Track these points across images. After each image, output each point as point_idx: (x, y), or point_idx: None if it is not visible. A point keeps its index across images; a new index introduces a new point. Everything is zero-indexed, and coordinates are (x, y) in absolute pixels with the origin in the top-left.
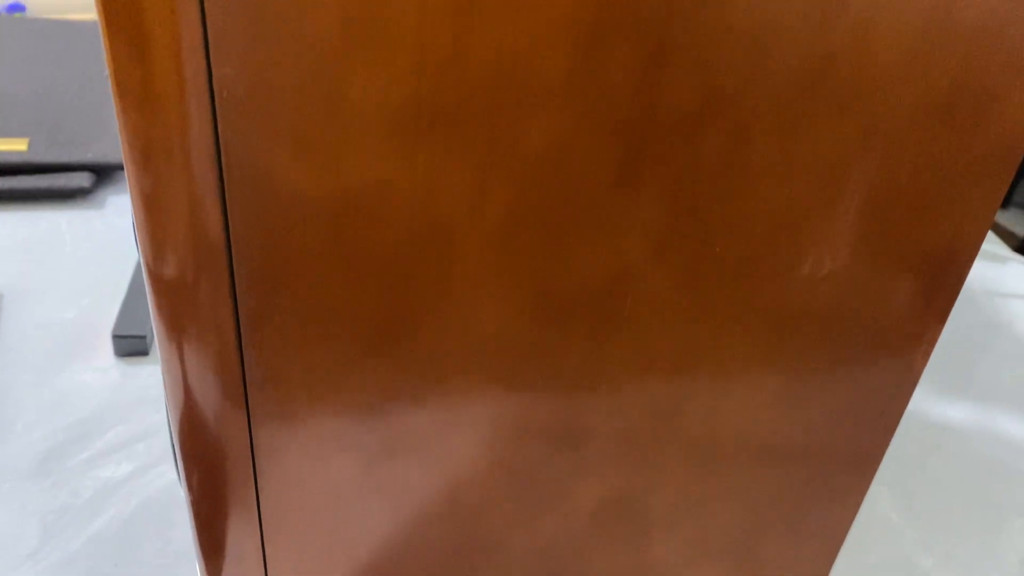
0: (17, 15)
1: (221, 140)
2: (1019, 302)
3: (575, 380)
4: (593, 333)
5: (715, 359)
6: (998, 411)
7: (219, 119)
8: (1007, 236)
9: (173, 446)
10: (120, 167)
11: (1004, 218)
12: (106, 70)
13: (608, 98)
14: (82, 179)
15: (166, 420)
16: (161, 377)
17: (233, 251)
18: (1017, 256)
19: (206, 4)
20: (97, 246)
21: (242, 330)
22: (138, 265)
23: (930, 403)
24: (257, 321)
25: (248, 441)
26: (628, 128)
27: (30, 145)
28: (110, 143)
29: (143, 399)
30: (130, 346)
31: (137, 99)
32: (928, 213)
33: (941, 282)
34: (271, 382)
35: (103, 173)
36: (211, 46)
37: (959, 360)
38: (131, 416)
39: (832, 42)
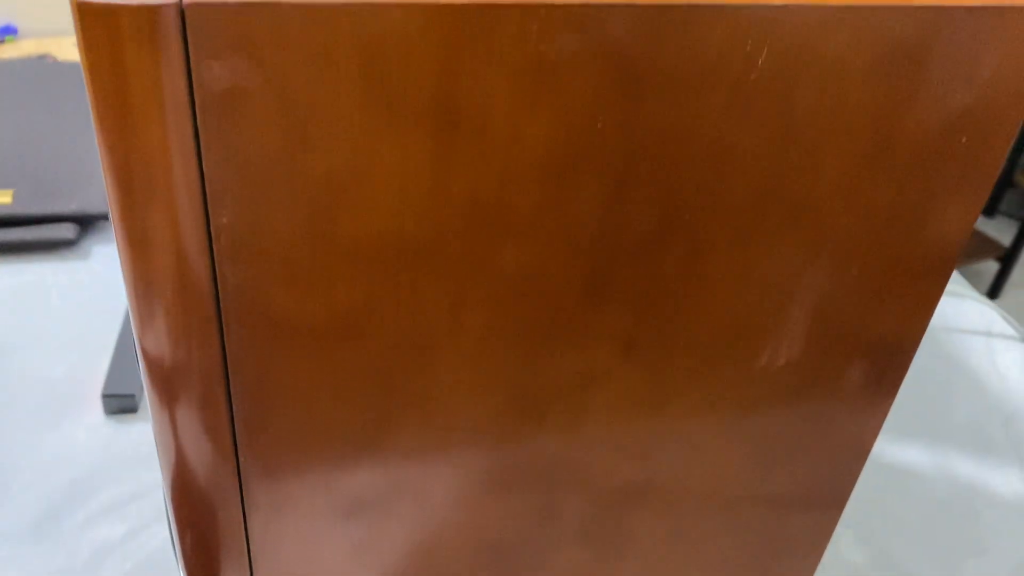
0: (9, 38)
1: (218, 277)
2: (976, 338)
3: (550, 464)
4: (566, 424)
5: (681, 441)
6: (954, 449)
7: (216, 260)
8: (991, 246)
9: (170, 526)
10: (104, 216)
11: (989, 227)
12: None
13: (574, 225)
14: (67, 230)
15: (160, 483)
16: (151, 434)
17: (229, 369)
18: (975, 294)
19: (204, 161)
20: (83, 298)
21: (238, 437)
22: (126, 320)
23: (888, 442)
24: (252, 429)
25: (243, 526)
26: (593, 250)
27: (15, 197)
28: (94, 193)
29: (133, 457)
30: (120, 404)
31: (140, 245)
32: (874, 309)
33: (890, 364)
34: (266, 477)
35: (86, 223)
36: (209, 198)
37: (917, 398)
38: (123, 476)
39: (782, 165)
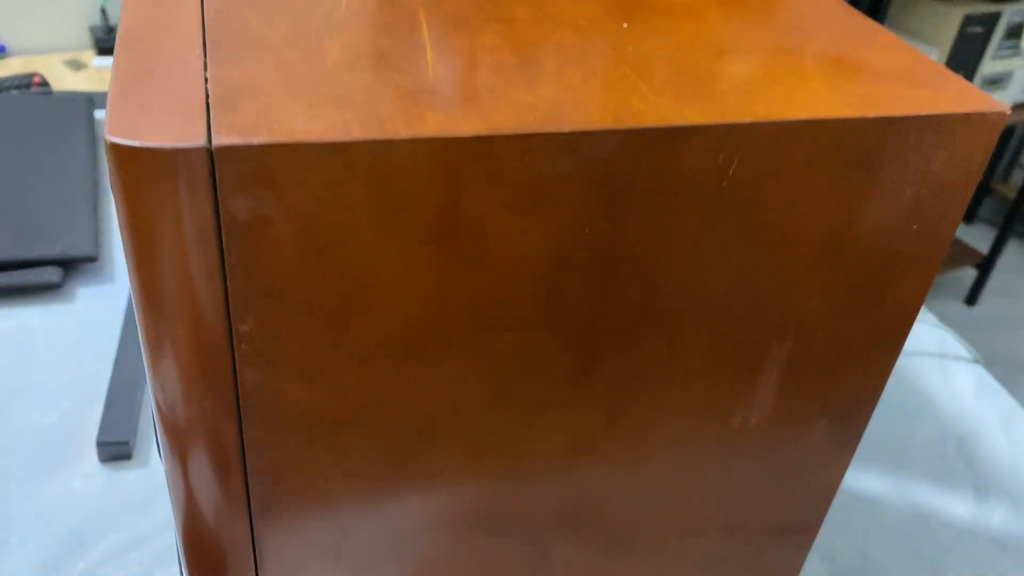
0: None
1: (239, 377)
2: (931, 361)
3: (542, 524)
4: (555, 488)
5: (662, 495)
6: (911, 472)
7: (237, 363)
8: (969, 253)
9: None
10: (88, 259)
11: (967, 234)
12: (75, 166)
13: (564, 317)
14: (52, 274)
15: (158, 530)
16: (146, 481)
17: (247, 454)
18: (931, 317)
19: (229, 280)
20: (71, 343)
21: (253, 510)
22: (116, 365)
23: (850, 469)
24: (267, 504)
25: None
26: (581, 338)
27: None
28: (78, 236)
29: (130, 504)
30: (114, 451)
31: (165, 352)
32: (836, 374)
33: (851, 420)
34: (279, 544)
35: (70, 266)
36: (232, 310)
37: (876, 422)
38: (120, 524)
39: (751, 257)
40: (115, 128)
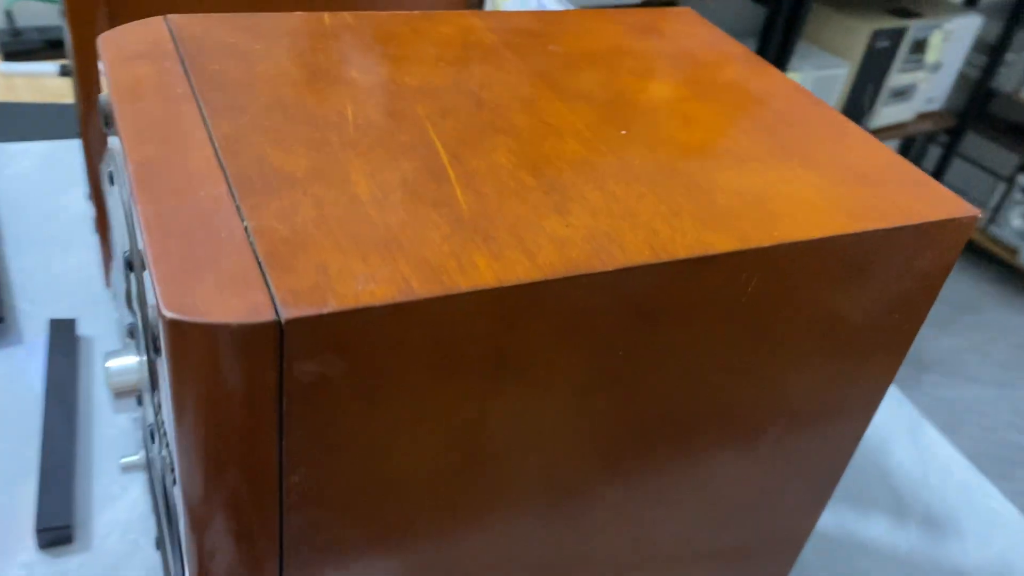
0: None
1: (284, 521)
2: None
3: None
4: (572, 566)
5: (665, 551)
6: (841, 499)
7: (284, 509)
8: None
9: None
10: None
11: None
12: None
13: (591, 429)
14: None
15: None
16: (90, 566)
17: None
18: None
19: (285, 437)
20: None
21: None
22: (45, 443)
23: None
24: None
25: None
26: (605, 443)
27: None
28: None
29: None
30: (54, 537)
31: (212, 504)
32: (819, 445)
33: (828, 478)
34: None
35: None
36: (284, 463)
37: None
38: None
39: (756, 355)
40: (172, 302)
